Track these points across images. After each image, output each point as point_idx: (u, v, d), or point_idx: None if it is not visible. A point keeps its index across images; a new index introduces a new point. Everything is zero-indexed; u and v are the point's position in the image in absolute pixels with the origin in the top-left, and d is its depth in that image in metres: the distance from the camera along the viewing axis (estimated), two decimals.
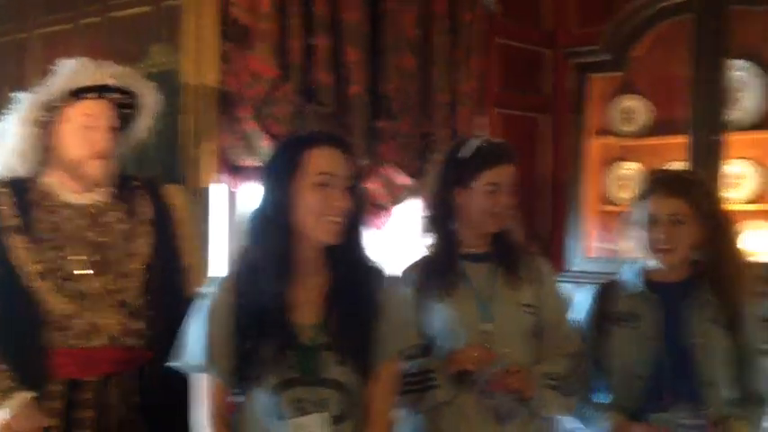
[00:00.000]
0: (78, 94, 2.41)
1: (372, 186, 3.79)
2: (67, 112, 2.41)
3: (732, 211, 3.67)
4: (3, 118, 2.46)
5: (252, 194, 2.31)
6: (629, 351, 2.40)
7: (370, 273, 2.01)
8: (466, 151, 2.34)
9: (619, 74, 4.25)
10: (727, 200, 3.83)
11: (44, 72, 2.52)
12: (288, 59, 3.33)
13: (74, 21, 3.69)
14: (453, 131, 3.94)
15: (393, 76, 3.70)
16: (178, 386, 2.10)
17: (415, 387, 2.27)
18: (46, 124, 2.41)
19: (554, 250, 4.52)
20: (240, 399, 2.00)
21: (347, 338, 1.93)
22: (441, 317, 2.35)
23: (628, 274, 2.51)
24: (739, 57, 3.94)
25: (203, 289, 2.06)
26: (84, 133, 2.40)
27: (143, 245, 2.45)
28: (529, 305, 2.37)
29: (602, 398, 2.46)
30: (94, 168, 2.42)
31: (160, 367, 2.09)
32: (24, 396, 2.26)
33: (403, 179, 3.79)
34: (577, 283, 3.79)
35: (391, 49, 3.69)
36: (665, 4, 3.98)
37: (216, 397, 1.99)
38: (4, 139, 2.44)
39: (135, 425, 2.39)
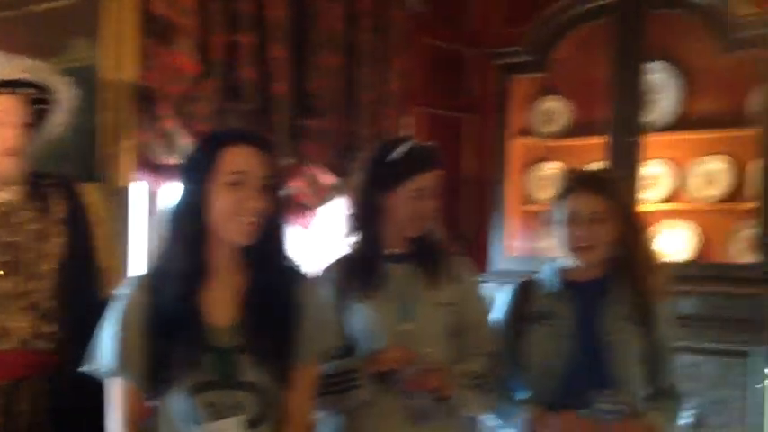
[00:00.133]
0: None
1: (297, 185, 3.77)
2: None
3: (648, 211, 3.81)
4: None
5: (173, 193, 2.26)
6: (545, 348, 2.44)
7: (287, 273, 1.99)
8: (394, 155, 2.34)
9: (541, 75, 4.31)
10: (644, 199, 3.95)
11: None
12: (210, 56, 3.29)
13: None
14: (378, 131, 3.95)
15: (318, 75, 3.69)
16: (93, 390, 2.05)
17: (336, 387, 2.27)
18: None
19: (478, 250, 4.56)
20: (156, 403, 1.96)
21: (263, 340, 1.91)
22: (361, 317, 2.35)
23: (545, 273, 2.55)
24: (657, 59, 4.04)
25: (118, 290, 2.02)
26: None
27: (56, 245, 2.39)
28: (449, 304, 2.38)
29: (521, 395, 2.50)
30: (5, 166, 2.35)
31: (73, 371, 2.03)
32: None
33: (328, 178, 3.78)
34: (500, 282, 3.85)
35: (317, 46, 3.68)
36: (585, 7, 4.06)
37: (128, 401, 1.94)
38: None
39: (44, 430, 2.32)
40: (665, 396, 2.48)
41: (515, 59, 4.28)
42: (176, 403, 1.91)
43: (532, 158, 4.47)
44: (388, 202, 2.36)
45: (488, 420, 2.58)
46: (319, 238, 4.00)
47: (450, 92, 4.65)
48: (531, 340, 2.47)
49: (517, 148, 4.36)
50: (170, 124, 3.16)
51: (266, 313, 1.93)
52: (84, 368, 1.98)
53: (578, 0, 4.07)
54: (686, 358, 3.58)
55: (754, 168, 3.74)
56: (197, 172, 1.91)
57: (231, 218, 1.89)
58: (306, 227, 3.86)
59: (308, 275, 2.08)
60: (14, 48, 2.62)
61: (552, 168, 4.37)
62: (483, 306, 2.50)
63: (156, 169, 3.20)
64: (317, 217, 3.90)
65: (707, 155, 4.03)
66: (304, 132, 3.67)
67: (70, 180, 2.57)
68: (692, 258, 4.02)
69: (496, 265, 4.26)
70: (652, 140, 4.01)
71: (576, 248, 2.44)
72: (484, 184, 4.65)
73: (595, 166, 3.99)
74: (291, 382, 1.96)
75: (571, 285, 2.48)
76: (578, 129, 4.35)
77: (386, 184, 2.35)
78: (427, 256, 2.41)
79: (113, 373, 1.94)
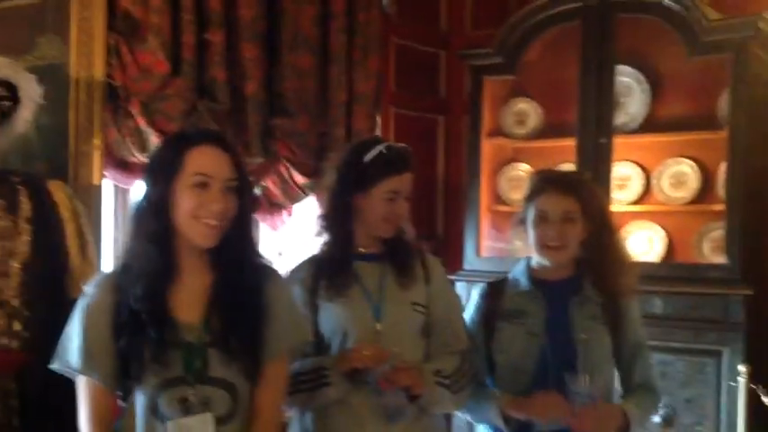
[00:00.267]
0: None
1: (268, 185, 3.76)
2: None
3: (618, 212, 3.83)
4: None
5: (139, 192, 2.25)
6: (514, 347, 2.44)
7: (255, 272, 1.98)
8: (367, 156, 2.33)
9: (511, 77, 4.33)
10: (614, 201, 3.98)
11: None
12: (180, 54, 3.27)
13: None
14: (350, 131, 3.95)
15: (290, 75, 3.68)
16: (64, 389, 2.02)
17: (307, 385, 2.26)
18: None
19: (450, 250, 4.58)
20: (124, 403, 1.94)
21: (231, 337, 1.90)
22: (331, 316, 2.34)
23: (516, 272, 2.56)
24: (625, 63, 4.08)
25: (85, 289, 1.99)
26: None
27: (22, 243, 2.36)
28: (419, 304, 2.38)
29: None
30: None
31: (41, 370, 2.01)
32: None
33: (299, 178, 3.77)
34: (471, 282, 3.86)
35: (288, 46, 3.68)
36: (554, 10, 4.07)
37: (95, 400, 1.92)
38: None
39: (12, 430, 2.29)
40: (640, 389, 2.49)
41: (486, 61, 4.28)
42: (144, 400, 1.89)
43: (503, 159, 4.49)
44: (360, 203, 2.35)
45: (462, 418, 2.58)
46: (290, 237, 3.99)
47: (422, 93, 4.66)
48: (501, 339, 2.48)
49: (488, 149, 4.37)
50: (139, 123, 3.14)
51: (234, 311, 1.92)
52: (53, 366, 1.95)
53: (548, 3, 4.08)
54: (656, 358, 3.60)
55: (722, 170, 3.78)
56: (161, 172, 1.90)
57: (194, 220, 1.88)
58: (277, 226, 3.86)
59: (276, 273, 2.07)
60: None
61: (523, 169, 4.39)
62: (454, 305, 2.50)
63: (125, 167, 3.18)
64: (288, 216, 3.90)
65: (676, 157, 4.07)
66: (275, 132, 3.66)
67: (38, 178, 2.54)
68: (662, 259, 4.06)
69: (468, 265, 4.27)
70: (622, 142, 4.04)
71: (547, 248, 2.45)
72: (456, 185, 4.67)
73: (566, 167, 4.03)
74: (261, 379, 1.95)
75: (541, 284, 2.49)
76: (549, 130, 4.37)
77: (358, 186, 2.34)
78: (398, 256, 2.41)
79: (80, 372, 1.91)
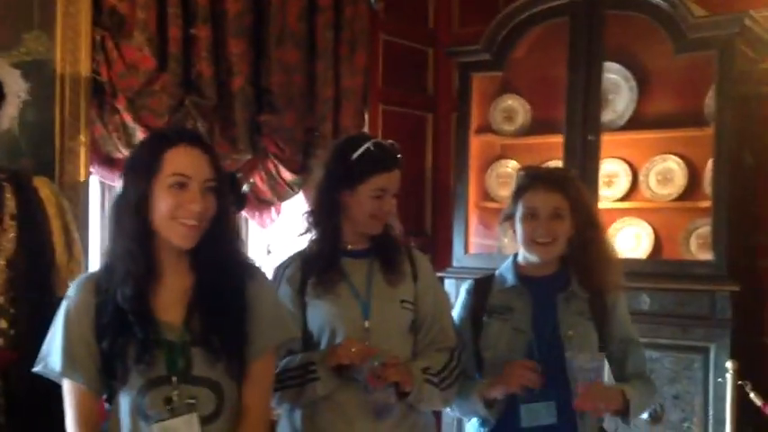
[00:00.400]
0: None
1: (256, 182, 3.75)
2: None
3: (605, 209, 3.85)
4: None
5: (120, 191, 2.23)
6: (501, 343, 2.45)
7: (236, 271, 1.97)
8: (355, 153, 2.32)
9: (499, 74, 4.33)
10: (601, 197, 3.99)
11: None
12: (166, 50, 3.25)
13: None
14: (337, 127, 3.94)
15: (277, 70, 3.67)
16: (50, 387, 2.00)
17: (294, 381, 2.25)
18: None
19: (438, 247, 4.58)
20: (110, 405, 1.94)
21: (214, 336, 1.88)
22: (320, 314, 2.33)
23: (502, 269, 2.56)
24: (613, 60, 4.09)
25: (67, 292, 1.98)
26: None
27: (7, 240, 2.34)
28: (407, 301, 2.38)
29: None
30: None
31: (27, 368, 1.99)
32: None
33: (287, 174, 3.76)
34: (459, 279, 3.86)
35: (275, 41, 3.66)
36: (542, 7, 4.08)
37: (80, 403, 1.91)
38: None
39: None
40: (636, 379, 2.49)
41: (474, 58, 4.28)
42: (129, 401, 1.88)
43: (491, 156, 4.49)
44: (347, 200, 2.35)
45: (451, 415, 2.58)
46: (278, 234, 3.98)
47: (410, 89, 4.66)
48: (487, 335, 2.48)
49: (476, 145, 4.37)
50: (126, 118, 3.12)
51: (215, 311, 1.90)
52: (36, 370, 1.94)
53: (536, 0, 4.08)
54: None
55: (709, 167, 3.79)
56: (139, 172, 1.88)
57: (172, 220, 1.86)
58: (265, 223, 3.84)
59: (259, 271, 2.05)
60: None
61: (511, 166, 4.40)
62: (442, 302, 2.50)
63: (111, 164, 3.16)
64: (277, 214, 3.88)
65: (663, 154, 4.08)
66: (262, 128, 3.64)
67: (24, 174, 2.51)
68: (649, 256, 4.07)
69: (457, 262, 4.27)
70: (609, 139, 4.05)
71: (536, 244, 2.45)
72: (444, 182, 4.67)
73: (553, 164, 4.04)
74: (247, 378, 1.94)
75: (527, 281, 2.50)
76: (537, 127, 4.38)
77: (346, 183, 2.34)
78: (385, 253, 2.40)
79: (63, 376, 1.90)
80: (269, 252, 4.00)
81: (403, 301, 2.37)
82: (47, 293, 2.34)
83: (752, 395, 3.34)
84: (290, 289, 2.35)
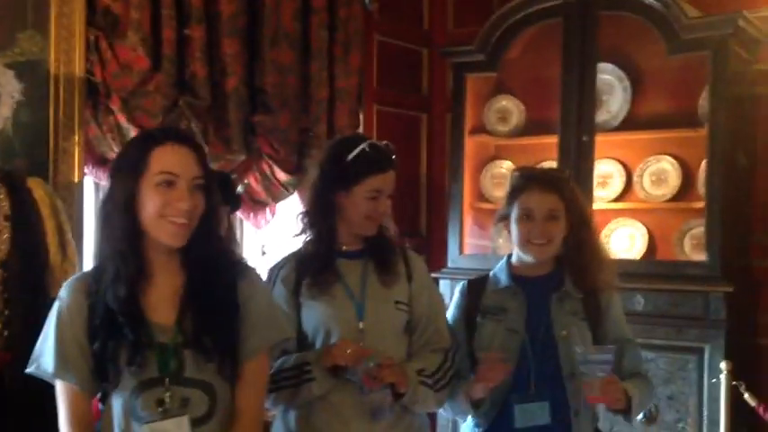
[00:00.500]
0: None
1: (251, 182, 3.75)
2: None
3: (599, 210, 3.85)
4: None
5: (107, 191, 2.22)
6: (494, 343, 2.44)
7: (227, 269, 1.96)
8: (350, 154, 2.32)
9: (493, 74, 4.33)
10: (595, 198, 3.99)
11: None
12: (160, 50, 3.25)
13: None
14: (332, 128, 3.93)
15: (271, 70, 3.66)
16: (44, 388, 2.00)
17: (290, 381, 2.25)
18: None
19: (432, 248, 4.58)
20: (103, 404, 1.93)
21: (206, 337, 1.87)
22: (314, 315, 2.33)
23: (496, 270, 2.56)
24: (607, 60, 4.09)
25: (59, 292, 1.97)
26: None
27: (1, 241, 2.33)
28: (401, 302, 2.37)
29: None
30: None
31: (21, 368, 1.98)
32: None
33: (282, 175, 3.76)
34: (454, 279, 3.86)
35: (269, 42, 3.66)
36: (536, 8, 4.08)
37: (73, 404, 1.90)
38: None
39: None
40: (634, 377, 2.48)
41: (468, 59, 4.29)
42: (121, 402, 1.87)
43: (486, 157, 4.50)
44: (342, 201, 2.34)
45: (445, 416, 2.58)
46: (273, 235, 3.98)
47: (404, 90, 4.66)
48: (481, 335, 2.48)
49: (471, 146, 4.38)
50: (120, 119, 3.12)
51: (207, 311, 1.89)
52: (29, 370, 1.93)
53: (530, 0, 4.09)
54: None
55: (703, 168, 3.80)
56: (127, 171, 1.87)
57: (160, 219, 1.85)
58: (260, 224, 3.84)
59: (251, 270, 2.04)
60: None
61: (506, 167, 4.40)
62: (436, 303, 2.49)
63: (106, 164, 3.15)
64: (271, 214, 3.88)
65: (657, 154, 4.09)
66: (257, 128, 3.64)
67: (17, 175, 2.51)
68: (643, 256, 4.08)
69: (452, 263, 4.27)
70: (603, 140, 4.06)
71: (531, 245, 2.45)
72: (438, 182, 4.67)
73: (548, 164, 4.04)
74: (241, 378, 1.93)
75: (521, 281, 2.50)
76: (531, 128, 4.38)
77: (341, 184, 2.33)
78: (380, 254, 2.40)
79: (56, 377, 1.90)
80: (264, 253, 4.00)
81: (397, 302, 2.37)
82: (41, 294, 2.33)
83: (746, 396, 3.34)
84: (284, 290, 2.35)
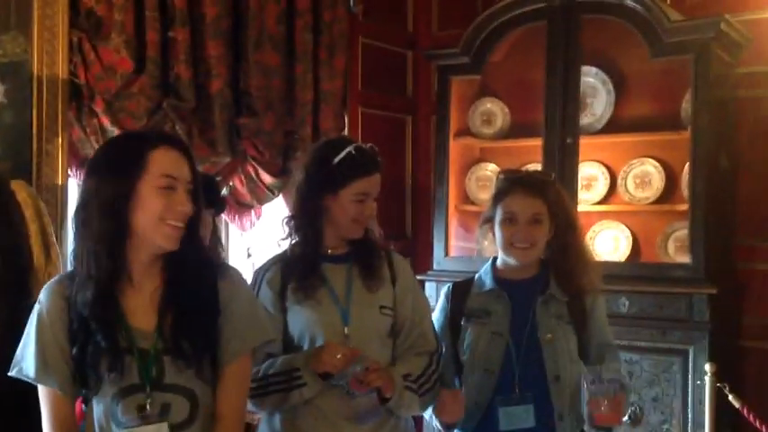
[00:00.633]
0: None
1: (236, 185, 3.73)
2: None
3: (583, 212, 3.87)
4: None
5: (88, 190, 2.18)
6: (479, 347, 2.45)
7: (208, 270, 1.94)
8: (336, 158, 2.30)
9: (478, 77, 4.34)
10: (579, 201, 4.01)
11: None
12: (144, 52, 3.23)
13: None
14: (317, 130, 3.93)
15: (255, 73, 3.65)
16: (29, 390, 1.98)
17: (280, 386, 2.23)
18: None
19: (418, 250, 4.58)
20: (86, 407, 1.91)
21: (185, 341, 1.85)
22: (300, 320, 2.32)
23: (481, 273, 2.56)
24: (590, 64, 4.11)
25: (39, 296, 1.94)
26: None
27: None
28: (386, 307, 2.36)
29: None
30: None
31: (3, 371, 1.96)
32: None
33: (267, 178, 3.75)
34: (440, 282, 3.87)
35: (253, 44, 3.65)
36: (519, 11, 4.09)
37: (55, 408, 1.88)
38: None
39: None
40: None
41: (452, 61, 4.29)
42: (102, 408, 1.86)
43: (471, 159, 4.50)
44: (329, 204, 2.33)
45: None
46: (258, 237, 3.96)
47: (389, 92, 4.66)
48: (466, 338, 2.48)
49: (456, 148, 4.38)
50: (104, 121, 3.10)
51: (188, 313, 1.87)
52: (11, 374, 1.91)
53: (513, 4, 4.10)
54: (623, 357, 3.65)
55: (686, 171, 3.82)
56: (120, 172, 1.83)
57: (160, 222, 1.83)
58: (245, 227, 3.83)
59: (232, 270, 2.02)
60: None
61: (491, 169, 4.41)
62: (422, 306, 2.47)
63: None
64: (257, 217, 3.87)
65: (641, 157, 4.11)
66: (242, 131, 3.63)
67: (0, 177, 2.49)
68: (627, 259, 4.09)
69: (438, 265, 4.27)
70: (587, 143, 4.07)
71: (514, 248, 2.46)
72: (424, 185, 4.67)
73: (532, 167, 4.05)
74: (222, 381, 1.91)
75: (506, 284, 2.50)
76: (516, 130, 4.39)
77: (327, 187, 2.32)
78: (364, 258, 2.39)
79: (36, 381, 1.88)
80: (249, 255, 3.99)
81: (382, 307, 2.36)
82: (24, 297, 2.30)
83: (730, 397, 3.36)
84: (270, 292, 2.33)
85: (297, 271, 2.34)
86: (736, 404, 3.36)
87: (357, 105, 4.34)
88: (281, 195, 3.84)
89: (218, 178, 3.48)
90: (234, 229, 3.85)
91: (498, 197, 2.51)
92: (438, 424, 2.43)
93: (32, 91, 2.94)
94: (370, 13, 4.37)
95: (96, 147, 3.09)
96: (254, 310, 2.02)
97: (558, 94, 3.98)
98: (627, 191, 4.13)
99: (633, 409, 3.63)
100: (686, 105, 3.85)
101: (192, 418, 1.87)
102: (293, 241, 2.40)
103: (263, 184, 3.75)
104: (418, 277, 2.88)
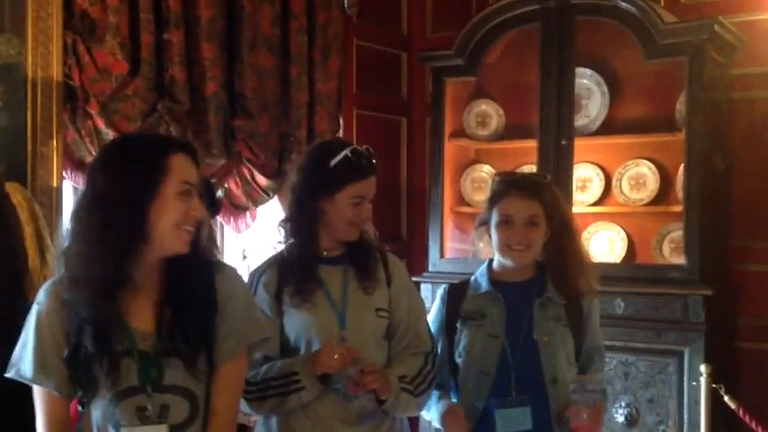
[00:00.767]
0: None
1: (231, 187, 3.73)
2: None
3: (578, 214, 3.87)
4: None
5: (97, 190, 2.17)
6: (475, 349, 2.45)
7: (205, 274, 1.94)
8: (333, 160, 2.30)
9: (472, 79, 4.34)
10: (575, 202, 4.01)
11: None
12: (139, 55, 3.23)
13: None
14: (312, 132, 3.93)
15: (250, 75, 3.65)
16: (24, 391, 1.97)
17: (279, 390, 2.23)
18: None
19: (413, 252, 4.58)
20: (83, 408, 1.91)
21: (183, 342, 1.86)
22: (297, 323, 2.32)
23: (477, 275, 2.56)
24: (585, 65, 4.11)
25: (37, 296, 1.93)
26: None
27: None
28: (382, 309, 2.37)
29: (454, 396, 2.50)
30: None
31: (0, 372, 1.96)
32: None
33: (262, 180, 3.74)
34: (435, 283, 3.86)
35: (248, 46, 3.65)
36: (514, 13, 4.09)
37: (51, 409, 1.88)
38: None
39: None
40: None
41: (447, 63, 4.29)
42: (101, 409, 1.85)
43: (466, 161, 4.50)
44: (325, 207, 2.33)
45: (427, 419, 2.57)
46: (254, 239, 3.96)
47: (384, 94, 4.66)
48: (461, 341, 2.48)
49: (451, 150, 4.38)
50: (98, 123, 3.10)
51: (186, 313, 1.87)
52: (8, 375, 1.90)
53: (508, 6, 4.10)
54: (618, 358, 3.66)
55: (681, 172, 3.83)
56: (139, 174, 1.81)
57: (178, 227, 1.83)
58: (240, 229, 3.82)
59: (228, 268, 2.01)
60: None
61: (486, 171, 4.41)
62: (417, 308, 2.48)
63: (84, 168, 3.12)
64: (252, 219, 3.86)
65: (636, 159, 4.12)
66: (237, 133, 3.62)
67: None
68: (623, 260, 4.10)
69: (433, 267, 4.27)
70: (582, 144, 4.07)
71: (510, 250, 2.45)
72: (419, 187, 4.67)
73: (527, 168, 4.06)
74: (217, 379, 1.91)
75: (502, 286, 2.50)
76: (510, 132, 4.40)
77: (324, 190, 2.32)
78: (360, 260, 2.39)
79: (33, 382, 1.87)
80: (244, 257, 3.98)
81: (378, 309, 2.36)
82: (19, 299, 2.30)
83: (726, 398, 3.37)
84: (266, 295, 2.33)
85: (293, 274, 2.34)
86: (732, 405, 3.36)
87: (352, 107, 4.34)
88: (275, 197, 3.84)
89: (213, 180, 3.47)
90: (229, 230, 3.84)
91: (494, 200, 2.51)
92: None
93: (27, 93, 2.94)
94: (365, 15, 4.37)
95: (91, 149, 3.09)
96: (250, 308, 2.02)
97: (553, 96, 3.99)
98: (622, 192, 4.13)
99: (629, 410, 3.63)
100: (680, 107, 3.85)
101: (191, 419, 1.87)
102: (289, 244, 2.39)
103: (258, 185, 3.75)
104: (413, 279, 2.87)
